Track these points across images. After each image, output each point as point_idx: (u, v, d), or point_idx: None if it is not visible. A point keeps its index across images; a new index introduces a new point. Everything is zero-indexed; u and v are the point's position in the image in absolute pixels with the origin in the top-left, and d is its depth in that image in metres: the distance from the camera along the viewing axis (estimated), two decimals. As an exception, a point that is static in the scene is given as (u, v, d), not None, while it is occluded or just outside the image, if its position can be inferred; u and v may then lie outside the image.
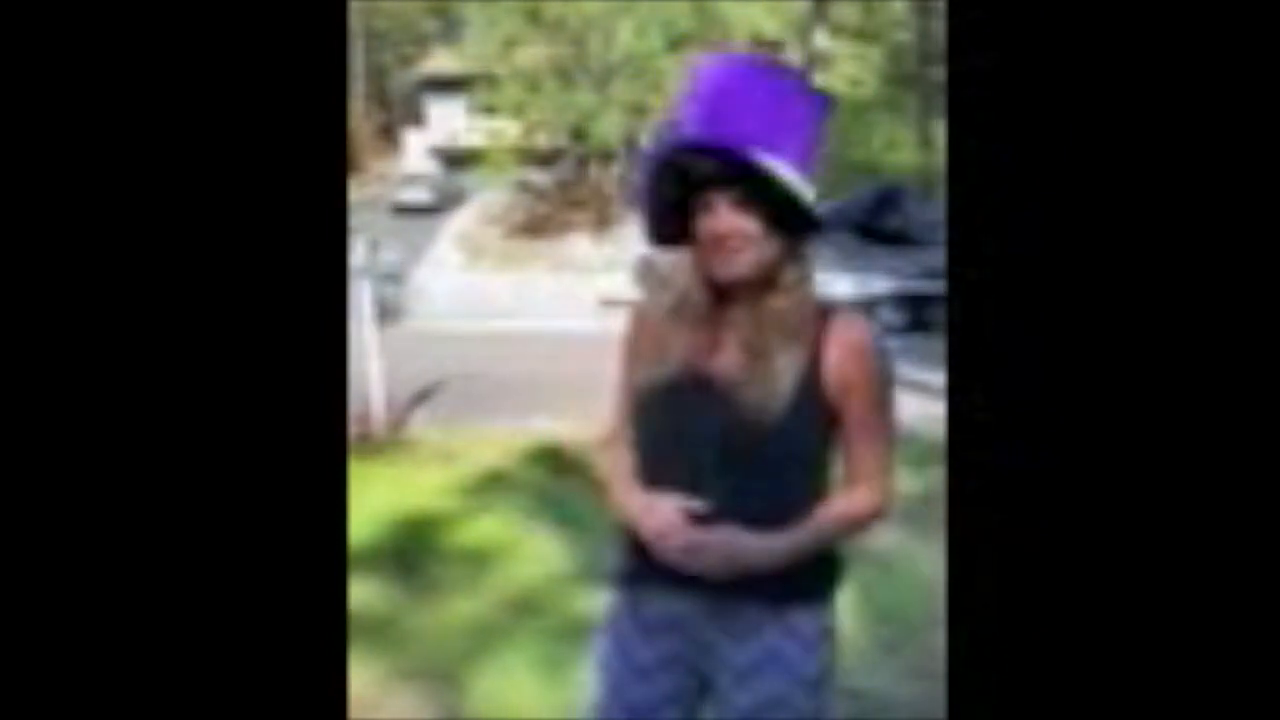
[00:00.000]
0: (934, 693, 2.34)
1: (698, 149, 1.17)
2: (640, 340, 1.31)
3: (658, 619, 1.30)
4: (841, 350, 1.22)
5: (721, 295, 1.23)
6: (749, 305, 1.22)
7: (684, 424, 1.23)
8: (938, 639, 2.66)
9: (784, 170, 1.17)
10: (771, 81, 1.20)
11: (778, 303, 1.21)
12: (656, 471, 1.26)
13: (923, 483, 4.19)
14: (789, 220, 1.20)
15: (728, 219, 1.18)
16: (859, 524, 1.28)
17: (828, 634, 1.29)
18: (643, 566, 1.28)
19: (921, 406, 5.63)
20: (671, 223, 1.22)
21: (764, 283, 1.21)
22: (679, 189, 1.19)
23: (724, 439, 1.21)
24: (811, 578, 1.27)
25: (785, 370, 1.20)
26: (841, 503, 1.27)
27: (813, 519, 1.24)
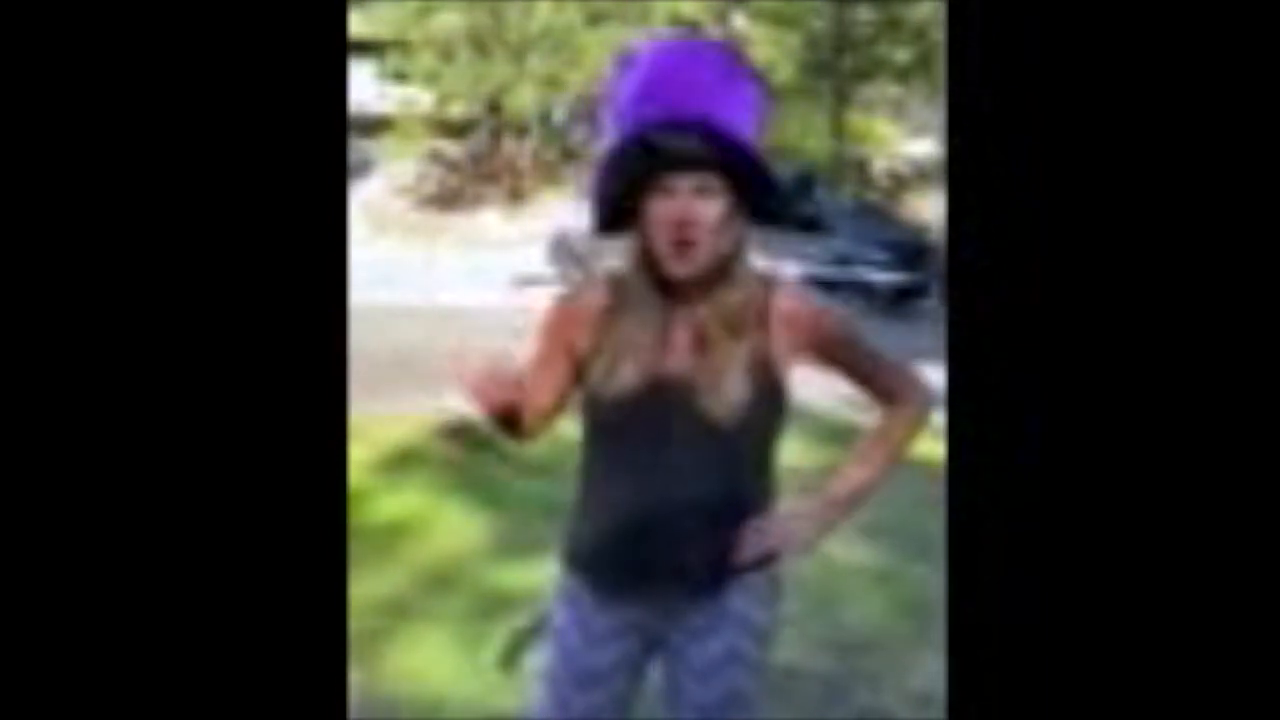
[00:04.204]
0: (842, 664, 2.43)
1: (679, 126, 1.12)
2: (577, 336, 1.25)
3: (616, 591, 1.29)
4: (793, 331, 1.23)
5: (666, 286, 1.20)
6: (698, 300, 1.20)
7: (652, 431, 1.21)
8: (843, 613, 2.76)
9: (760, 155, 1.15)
10: (725, 66, 1.17)
11: (730, 298, 1.20)
12: (627, 478, 1.24)
13: (822, 459, 4.32)
14: (755, 207, 1.18)
15: (690, 206, 1.13)
16: (923, 424, 1.32)
17: (776, 584, 1.33)
18: (596, 545, 1.28)
19: (822, 386, 5.78)
20: (622, 208, 1.17)
21: (714, 274, 1.19)
22: (639, 171, 1.14)
23: (694, 441, 1.21)
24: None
25: (747, 369, 1.20)
26: (901, 418, 1.30)
27: (882, 442, 1.30)
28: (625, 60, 1.19)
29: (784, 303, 1.24)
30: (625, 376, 1.20)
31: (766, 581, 1.31)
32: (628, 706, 1.35)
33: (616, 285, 1.24)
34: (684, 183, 1.13)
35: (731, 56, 1.20)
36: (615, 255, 1.29)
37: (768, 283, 1.24)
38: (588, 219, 1.22)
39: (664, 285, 1.20)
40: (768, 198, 1.18)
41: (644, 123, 1.13)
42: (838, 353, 1.28)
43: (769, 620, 1.32)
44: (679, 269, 1.16)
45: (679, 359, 1.21)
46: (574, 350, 1.26)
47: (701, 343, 1.20)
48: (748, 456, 1.26)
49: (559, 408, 1.31)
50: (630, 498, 1.24)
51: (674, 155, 1.12)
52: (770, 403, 1.23)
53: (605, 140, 1.22)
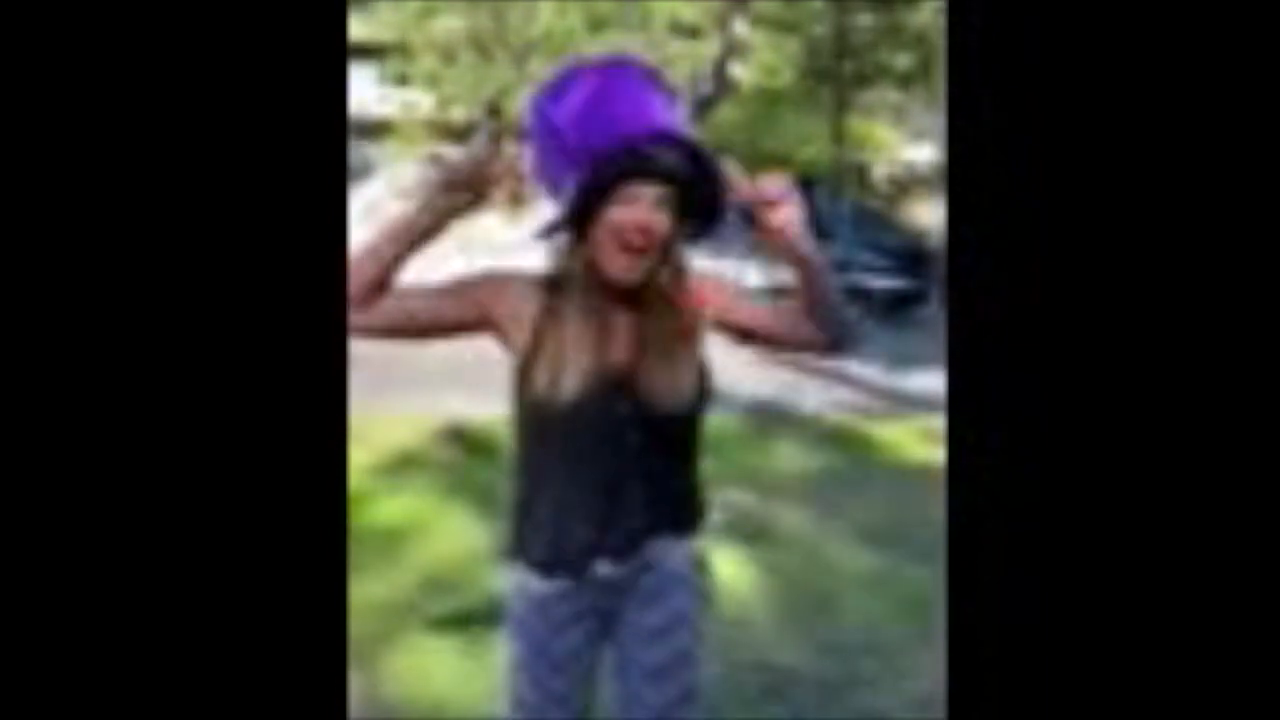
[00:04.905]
0: (842, 667, 2.44)
1: (666, 141, 1.20)
2: (498, 308, 1.29)
3: (575, 582, 1.35)
4: (701, 306, 1.32)
5: (607, 289, 1.27)
6: (637, 302, 1.28)
7: (601, 423, 1.28)
8: (844, 615, 2.77)
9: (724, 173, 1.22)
10: (656, 85, 1.26)
11: (671, 302, 1.29)
12: (579, 471, 1.31)
13: (820, 463, 4.33)
14: (704, 221, 1.26)
15: (650, 215, 1.21)
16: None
17: (704, 557, 1.46)
18: (553, 542, 1.34)
19: (824, 391, 5.80)
20: (587, 209, 1.23)
21: (653, 279, 1.27)
22: (613, 179, 1.20)
23: (640, 427, 1.29)
24: (698, 510, 1.42)
25: (688, 363, 1.30)
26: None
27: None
28: (556, 84, 1.25)
29: (698, 291, 1.33)
30: (572, 377, 1.25)
31: (699, 553, 1.43)
32: (592, 682, 1.44)
33: (552, 288, 1.29)
34: (648, 192, 1.21)
35: (655, 75, 1.27)
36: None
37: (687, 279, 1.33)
38: (551, 219, 1.24)
39: (605, 288, 1.26)
40: (716, 214, 1.25)
41: (629, 135, 1.19)
42: (740, 311, 1.35)
43: (705, 586, 1.45)
44: (625, 274, 1.24)
45: (620, 354, 1.29)
46: (483, 315, 1.29)
47: (640, 341, 1.28)
48: (684, 438, 1.36)
49: (408, 328, 1.27)
50: (584, 490, 1.31)
51: (655, 167, 1.20)
52: (700, 390, 1.32)
53: (542, 163, 1.28)
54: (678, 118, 1.27)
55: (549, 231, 1.24)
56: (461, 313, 1.28)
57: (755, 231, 1.22)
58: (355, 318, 1.21)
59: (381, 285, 1.22)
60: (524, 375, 1.28)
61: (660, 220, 1.22)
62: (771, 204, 1.21)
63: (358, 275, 1.20)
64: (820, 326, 1.30)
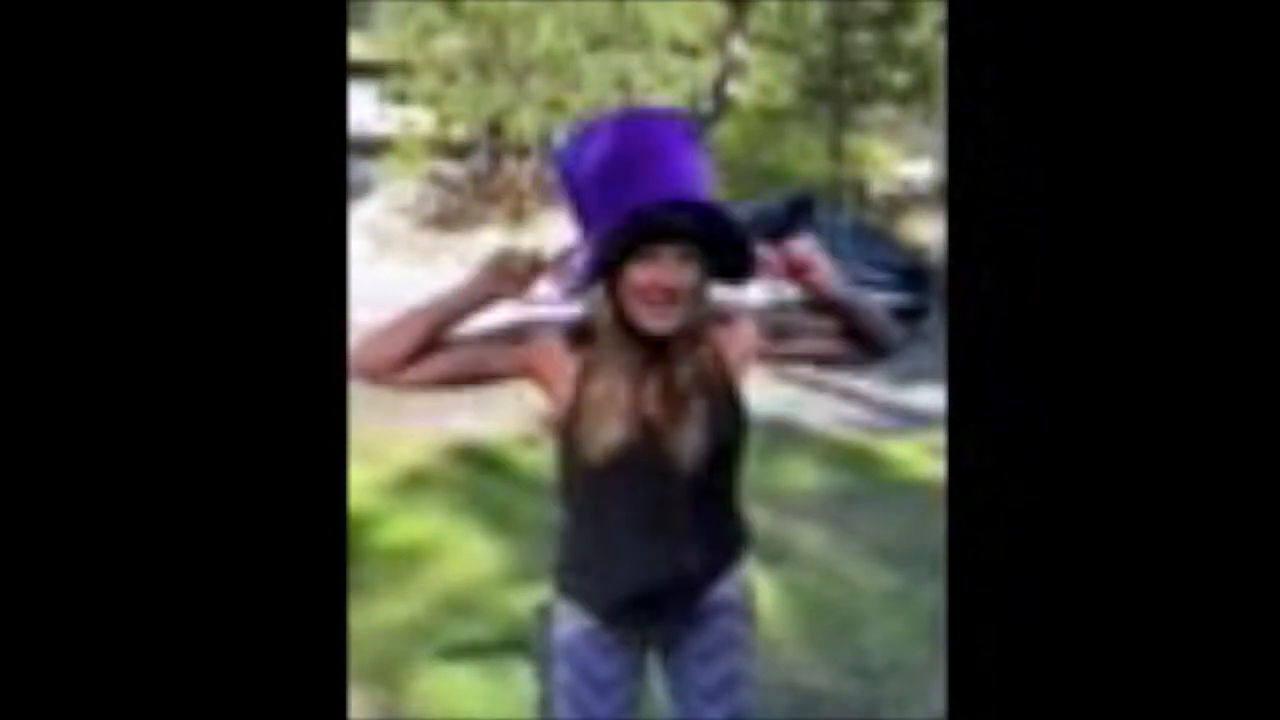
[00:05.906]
0: (867, 689, 2.43)
1: (675, 206, 1.18)
2: (546, 372, 1.31)
3: (618, 604, 1.38)
4: (740, 353, 1.34)
5: (638, 341, 1.27)
6: (669, 354, 1.28)
7: (639, 474, 1.31)
8: (867, 635, 2.76)
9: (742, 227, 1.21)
10: (683, 137, 1.24)
11: (697, 352, 1.30)
12: (623, 514, 1.34)
13: (830, 481, 4.32)
14: (729, 273, 1.26)
15: (673, 272, 1.21)
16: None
17: (750, 582, 1.49)
18: (590, 563, 1.37)
19: (833, 409, 5.80)
20: (609, 268, 1.23)
21: (684, 331, 1.26)
22: (630, 242, 1.19)
23: (679, 481, 1.31)
24: (744, 540, 1.46)
25: (724, 404, 1.32)
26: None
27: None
28: (581, 135, 1.24)
29: (728, 338, 1.34)
30: (606, 433, 1.28)
31: (748, 579, 1.47)
32: (638, 708, 1.46)
33: (587, 338, 1.30)
34: (669, 250, 1.20)
35: (686, 127, 1.26)
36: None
37: (718, 319, 1.34)
38: (569, 280, 1.24)
39: (637, 340, 1.27)
40: (742, 264, 1.25)
41: (638, 201, 1.17)
42: (781, 348, 1.38)
43: (753, 610, 1.49)
44: (657, 325, 1.23)
45: (652, 406, 1.30)
46: (528, 371, 1.31)
47: (672, 391, 1.29)
48: (724, 478, 1.38)
49: (456, 379, 1.28)
50: (633, 538, 1.34)
51: (667, 229, 1.19)
52: (734, 432, 1.34)
53: (571, 211, 1.27)
54: (699, 168, 1.24)
55: (576, 289, 1.23)
56: (507, 367, 1.31)
57: (791, 284, 1.29)
58: (408, 372, 1.24)
59: (430, 344, 1.24)
60: (563, 430, 1.31)
61: (684, 275, 1.21)
62: (802, 267, 1.28)
63: (409, 333, 1.23)
64: (872, 349, 1.39)
